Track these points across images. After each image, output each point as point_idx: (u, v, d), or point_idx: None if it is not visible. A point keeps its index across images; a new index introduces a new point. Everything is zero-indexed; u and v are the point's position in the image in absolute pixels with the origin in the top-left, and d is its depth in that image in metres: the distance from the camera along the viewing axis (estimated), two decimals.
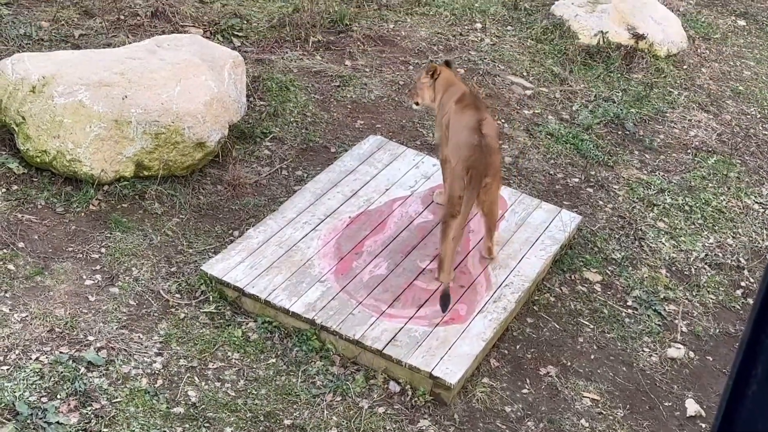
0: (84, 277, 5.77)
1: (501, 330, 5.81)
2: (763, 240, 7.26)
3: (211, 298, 5.73)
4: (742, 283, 6.80)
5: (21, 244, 5.91)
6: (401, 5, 9.63)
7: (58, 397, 4.94)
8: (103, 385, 5.06)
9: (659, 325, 6.25)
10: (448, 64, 6.56)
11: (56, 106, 6.26)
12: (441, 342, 5.48)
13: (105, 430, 4.83)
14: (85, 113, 6.27)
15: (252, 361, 5.40)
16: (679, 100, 8.94)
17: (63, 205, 6.26)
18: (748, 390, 1.72)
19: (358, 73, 8.30)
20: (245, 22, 8.77)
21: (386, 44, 8.82)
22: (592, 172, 7.62)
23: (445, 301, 5.61)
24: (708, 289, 6.67)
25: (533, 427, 5.34)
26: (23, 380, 4.99)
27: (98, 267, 5.87)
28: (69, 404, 4.91)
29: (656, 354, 6.03)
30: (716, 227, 7.30)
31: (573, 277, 6.48)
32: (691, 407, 5.68)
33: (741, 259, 7.02)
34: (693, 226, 7.26)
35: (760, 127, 8.82)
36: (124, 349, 5.31)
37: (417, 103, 6.52)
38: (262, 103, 7.63)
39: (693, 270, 6.82)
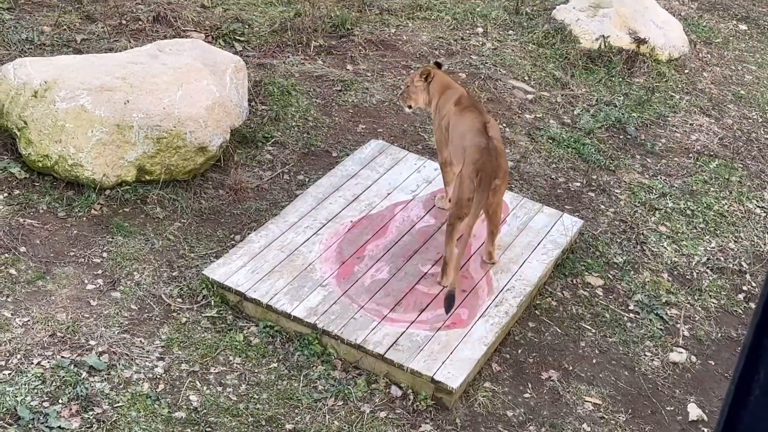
0: (86, 281, 5.77)
1: (503, 334, 5.81)
2: (764, 244, 7.26)
3: (212, 303, 5.73)
4: (744, 287, 6.80)
5: (23, 249, 5.92)
6: (403, 10, 9.64)
7: (60, 401, 4.94)
8: (105, 389, 5.06)
9: (661, 329, 6.25)
10: (438, 65, 6.56)
11: (58, 110, 6.27)
12: (443, 346, 5.48)
13: None
14: (86, 118, 6.27)
15: (253, 365, 5.40)
16: (681, 105, 8.94)
17: (65, 210, 6.26)
18: (750, 394, 1.71)
19: (359, 77, 8.30)
20: (247, 26, 8.77)
21: (388, 49, 8.82)
22: (594, 177, 7.62)
23: (449, 302, 5.61)
24: (710, 294, 6.67)
25: None
26: (25, 385, 4.99)
27: (100, 271, 5.87)
28: (70, 409, 4.91)
29: (658, 358, 6.02)
30: (718, 231, 7.29)
31: (575, 282, 6.48)
32: (693, 412, 5.67)
33: (743, 263, 7.01)
34: (695, 231, 7.26)
35: (762, 131, 8.82)
36: (126, 354, 5.30)
37: (410, 107, 6.52)
38: (263, 107, 7.64)
39: (695, 274, 6.81)
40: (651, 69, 9.26)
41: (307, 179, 6.95)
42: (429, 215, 6.54)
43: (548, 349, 5.90)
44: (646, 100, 8.80)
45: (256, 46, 8.54)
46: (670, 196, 7.57)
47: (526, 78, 8.80)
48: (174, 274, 5.94)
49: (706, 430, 5.60)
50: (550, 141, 7.94)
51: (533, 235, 6.50)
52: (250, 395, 5.21)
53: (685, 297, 6.58)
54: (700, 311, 6.50)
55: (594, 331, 6.12)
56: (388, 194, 6.67)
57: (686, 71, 9.54)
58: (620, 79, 9.03)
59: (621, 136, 8.26)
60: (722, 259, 7.01)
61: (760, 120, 9.00)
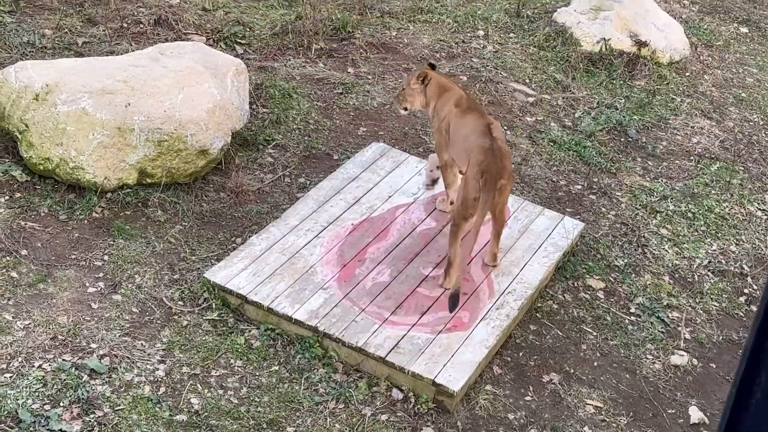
0: (87, 284, 5.78)
1: (504, 337, 5.81)
2: (766, 247, 7.25)
3: (213, 306, 5.73)
4: (746, 290, 6.79)
5: (24, 252, 5.92)
6: (404, 12, 9.64)
7: (61, 404, 4.94)
8: (106, 392, 5.06)
9: (662, 332, 6.25)
10: (432, 66, 6.54)
11: (59, 113, 6.27)
12: (444, 349, 5.48)
13: None
14: (88, 121, 6.28)
15: (255, 368, 5.40)
16: (682, 107, 8.94)
17: (66, 213, 6.26)
18: (752, 398, 1.71)
19: (360, 80, 8.31)
20: (248, 29, 8.78)
21: (389, 51, 8.83)
22: (595, 179, 7.62)
23: (454, 301, 5.63)
24: (711, 296, 6.66)
25: None
26: (26, 388, 4.99)
27: (101, 274, 5.87)
28: (72, 412, 4.91)
29: (659, 361, 6.02)
30: (719, 234, 7.29)
31: (576, 284, 6.48)
32: (695, 415, 5.66)
33: (744, 266, 7.01)
34: (696, 233, 7.25)
35: (763, 134, 8.82)
36: (127, 357, 5.30)
37: (405, 109, 6.50)
38: (264, 110, 7.64)
39: (696, 277, 6.81)
40: (652, 72, 9.27)
41: (308, 182, 6.95)
42: (430, 218, 6.54)
43: (549, 352, 5.90)
44: (647, 103, 8.80)
45: (257, 49, 8.54)
46: (672, 198, 7.57)
47: (527, 81, 8.80)
48: (175, 277, 5.94)
49: None
50: (551, 144, 7.94)
51: (534, 238, 6.50)
52: (251, 398, 5.21)
53: (687, 300, 6.57)
54: (702, 314, 6.50)
55: (595, 334, 6.12)
56: (389, 197, 6.67)
57: (687, 74, 9.54)
58: (621, 82, 9.04)
59: (622, 139, 8.26)
60: (723, 261, 7.01)
61: (762, 123, 9.00)
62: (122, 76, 6.51)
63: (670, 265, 6.85)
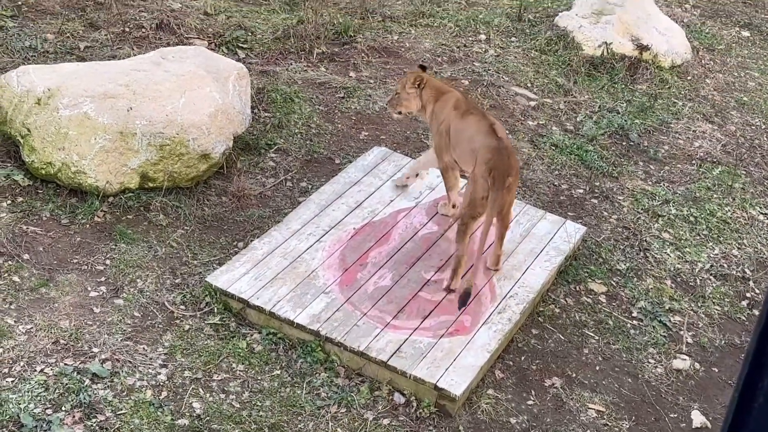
0: (89, 288, 5.78)
1: (506, 341, 5.80)
2: None
3: (215, 310, 5.73)
4: (748, 294, 6.79)
5: (26, 256, 5.92)
6: (405, 17, 9.65)
7: (63, 409, 4.94)
8: (108, 396, 5.06)
9: (664, 336, 6.24)
10: (423, 68, 6.52)
11: (61, 118, 6.28)
12: (446, 353, 5.47)
13: None
14: (90, 125, 6.28)
15: (256, 372, 5.40)
16: (684, 111, 8.94)
17: (68, 217, 6.26)
18: (754, 401, 1.71)
19: (362, 84, 8.31)
20: (250, 33, 8.79)
21: (390, 56, 8.83)
22: (597, 183, 7.62)
23: (464, 299, 5.66)
24: (713, 300, 6.66)
25: None
26: (28, 392, 4.99)
27: (103, 279, 5.87)
28: (74, 416, 4.90)
29: (662, 365, 6.01)
30: (721, 238, 7.29)
31: (578, 288, 6.47)
32: (697, 419, 5.66)
33: (746, 269, 7.00)
34: (698, 237, 7.25)
35: (765, 138, 8.82)
36: (129, 361, 5.30)
37: (399, 113, 6.49)
38: (266, 114, 7.64)
39: (698, 281, 6.80)
40: (654, 76, 9.27)
41: (309, 186, 6.95)
42: (432, 222, 6.54)
43: (551, 356, 5.90)
44: (648, 107, 8.80)
45: (259, 53, 8.55)
46: (673, 202, 7.56)
47: (529, 85, 8.80)
48: (177, 281, 5.94)
49: None
50: (553, 148, 7.94)
51: (536, 242, 6.50)
52: (253, 402, 5.21)
53: (689, 304, 6.57)
54: (704, 318, 6.49)
55: (597, 338, 6.11)
56: (391, 201, 6.67)
57: (689, 78, 9.55)
58: (623, 86, 9.04)
59: (624, 143, 8.26)
60: (725, 265, 7.00)
61: (763, 126, 8.99)
62: (124, 81, 6.51)
63: (672, 269, 6.85)
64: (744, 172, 8.20)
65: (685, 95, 9.23)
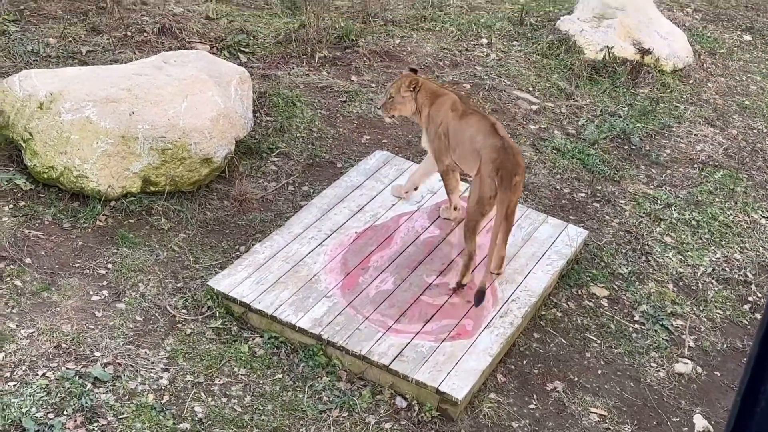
0: (91, 292, 5.78)
1: (508, 345, 5.80)
2: None
3: (217, 314, 5.73)
4: (750, 298, 6.78)
5: (28, 260, 5.92)
6: (407, 21, 9.66)
7: (65, 413, 4.94)
8: (110, 401, 5.06)
9: (666, 340, 6.24)
10: (414, 71, 6.50)
11: (63, 122, 6.28)
12: (448, 357, 5.47)
13: None
14: (92, 129, 6.29)
15: (258, 376, 5.40)
16: (686, 115, 8.94)
17: (70, 221, 6.27)
18: (756, 405, 1.71)
19: (364, 88, 8.32)
20: (252, 38, 8.79)
21: (392, 59, 8.84)
22: (599, 187, 7.61)
23: (479, 297, 5.73)
24: (715, 304, 6.65)
25: None
26: (30, 396, 4.99)
27: (105, 283, 5.87)
28: (75, 420, 4.90)
29: (664, 369, 6.01)
30: (723, 242, 7.28)
31: (580, 292, 6.47)
32: (699, 423, 5.65)
33: (748, 273, 7.00)
34: (700, 241, 7.25)
35: (767, 142, 8.81)
36: (131, 365, 5.30)
37: (392, 116, 6.46)
38: (268, 118, 7.65)
39: (700, 285, 6.80)
40: (655, 79, 9.27)
41: (311, 190, 6.95)
42: (434, 226, 6.54)
43: (553, 360, 5.89)
44: (650, 111, 8.80)
45: (260, 57, 8.56)
46: (675, 206, 7.56)
47: (531, 89, 8.80)
48: (179, 285, 5.94)
49: None
50: (555, 152, 7.94)
51: (538, 246, 6.50)
52: (255, 406, 5.20)
53: (691, 308, 6.56)
54: (706, 322, 6.49)
55: (599, 341, 6.11)
56: (393, 205, 6.67)
57: (691, 82, 9.55)
58: (625, 90, 9.04)
59: (625, 147, 8.26)
60: (728, 269, 7.00)
61: (765, 130, 8.99)
62: (126, 85, 6.52)
63: (674, 272, 6.84)
64: (746, 176, 8.20)
65: (686, 99, 9.23)
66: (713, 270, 6.96)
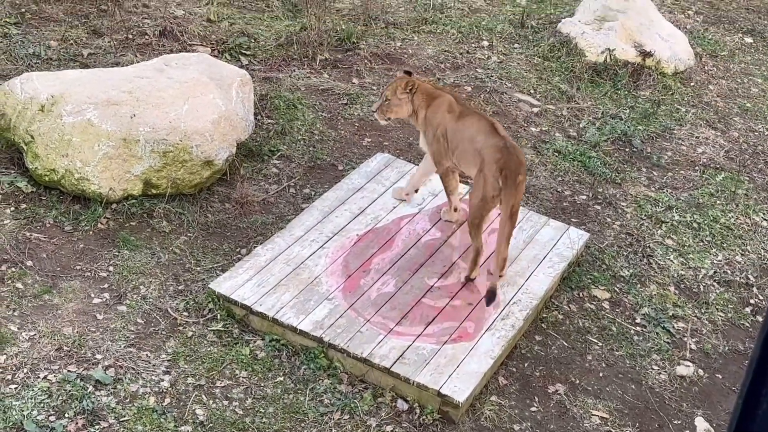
0: (92, 295, 5.78)
1: (509, 348, 5.80)
2: None
3: (218, 316, 5.73)
4: (751, 301, 6.78)
5: (29, 263, 5.93)
6: (408, 23, 9.66)
7: (66, 415, 4.94)
8: (111, 403, 5.06)
9: (668, 342, 6.23)
10: (408, 73, 6.48)
11: (65, 124, 6.29)
12: (449, 360, 5.47)
13: None
14: (93, 132, 6.29)
15: (260, 379, 5.39)
16: (687, 117, 8.94)
17: (71, 224, 6.27)
18: (758, 408, 1.71)
19: (365, 90, 8.32)
20: (253, 40, 8.80)
21: (393, 62, 8.84)
22: (600, 190, 7.61)
23: (491, 296, 5.78)
24: (717, 307, 6.65)
25: None
26: (31, 399, 4.99)
27: (106, 285, 5.87)
28: (77, 423, 4.90)
29: (665, 372, 6.00)
30: (725, 244, 7.28)
31: (581, 295, 6.47)
32: (701, 425, 5.65)
33: (750, 276, 7.00)
34: (701, 244, 7.24)
35: None
36: (132, 368, 5.30)
37: (388, 119, 6.43)
38: (269, 121, 7.65)
39: (702, 287, 6.79)
40: (657, 82, 9.27)
41: (313, 193, 6.95)
42: (435, 228, 6.54)
43: (555, 363, 5.89)
44: (651, 113, 8.80)
45: (262, 59, 8.56)
46: (677, 209, 7.56)
47: (532, 91, 8.81)
48: (180, 287, 5.94)
49: None
50: (556, 154, 7.94)
51: (539, 249, 6.50)
52: (257, 409, 5.20)
53: (692, 310, 6.56)
54: (707, 324, 6.48)
55: (601, 344, 6.11)
56: (394, 208, 6.67)
57: (692, 84, 9.55)
58: (626, 92, 9.04)
59: (627, 149, 8.26)
60: (729, 272, 7.00)
61: (767, 133, 8.99)
62: (127, 87, 6.52)
63: (675, 275, 6.84)
64: (747, 179, 8.20)
65: (688, 101, 9.23)
66: (715, 272, 6.96)
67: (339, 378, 5.46)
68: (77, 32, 8.38)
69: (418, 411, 5.33)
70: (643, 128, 8.56)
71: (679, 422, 5.66)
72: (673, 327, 6.36)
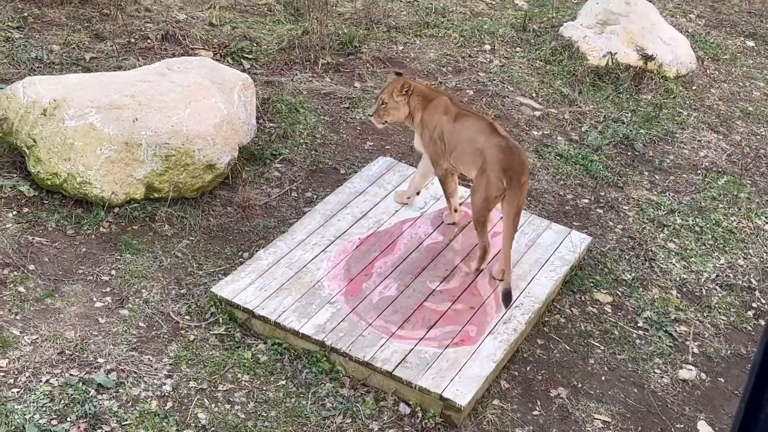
0: (94, 299, 5.78)
1: (511, 351, 5.79)
2: None
3: (220, 320, 5.73)
4: (754, 304, 6.77)
5: (31, 267, 5.93)
6: (410, 27, 9.67)
7: (68, 419, 4.94)
8: (113, 407, 5.06)
9: (670, 346, 6.23)
10: (399, 75, 6.48)
11: (67, 128, 6.29)
12: (451, 363, 5.46)
13: None
14: (95, 136, 6.30)
15: (262, 383, 5.39)
16: (689, 121, 8.94)
17: (73, 228, 6.27)
18: (761, 412, 1.71)
19: (367, 94, 8.32)
20: (255, 44, 8.81)
21: (395, 66, 8.85)
22: (602, 193, 7.61)
23: (507, 298, 5.84)
24: (719, 310, 6.64)
25: None
26: (33, 402, 4.99)
27: (108, 289, 5.88)
28: (79, 427, 4.90)
29: (667, 375, 6.00)
30: (727, 248, 7.28)
31: (583, 298, 6.46)
32: (703, 429, 5.64)
33: (752, 279, 6.99)
34: (704, 247, 7.24)
35: None
36: (134, 372, 5.30)
37: (385, 122, 6.42)
38: (271, 124, 7.66)
39: (704, 291, 6.79)
40: (659, 85, 9.27)
41: (315, 196, 6.96)
42: (437, 232, 6.54)
43: (557, 366, 5.88)
44: (653, 117, 8.80)
45: (264, 63, 8.57)
46: (679, 212, 7.56)
47: (534, 95, 8.81)
48: (182, 291, 5.94)
49: None
50: (558, 158, 7.94)
51: (541, 252, 6.49)
52: (259, 413, 5.20)
53: (695, 314, 6.56)
54: (710, 328, 6.48)
55: (603, 348, 6.10)
56: (396, 211, 6.67)
57: (694, 88, 9.54)
58: (628, 96, 9.04)
59: (629, 153, 8.26)
60: (731, 275, 6.99)
61: None
62: (130, 91, 6.53)
63: (677, 279, 6.84)
64: (749, 182, 8.19)
65: (690, 105, 9.23)
66: (717, 276, 6.95)
67: (341, 382, 5.46)
68: (80, 36, 8.39)
69: (420, 415, 5.33)
70: (645, 132, 8.55)
71: (682, 426, 5.66)
72: (676, 330, 6.36)
